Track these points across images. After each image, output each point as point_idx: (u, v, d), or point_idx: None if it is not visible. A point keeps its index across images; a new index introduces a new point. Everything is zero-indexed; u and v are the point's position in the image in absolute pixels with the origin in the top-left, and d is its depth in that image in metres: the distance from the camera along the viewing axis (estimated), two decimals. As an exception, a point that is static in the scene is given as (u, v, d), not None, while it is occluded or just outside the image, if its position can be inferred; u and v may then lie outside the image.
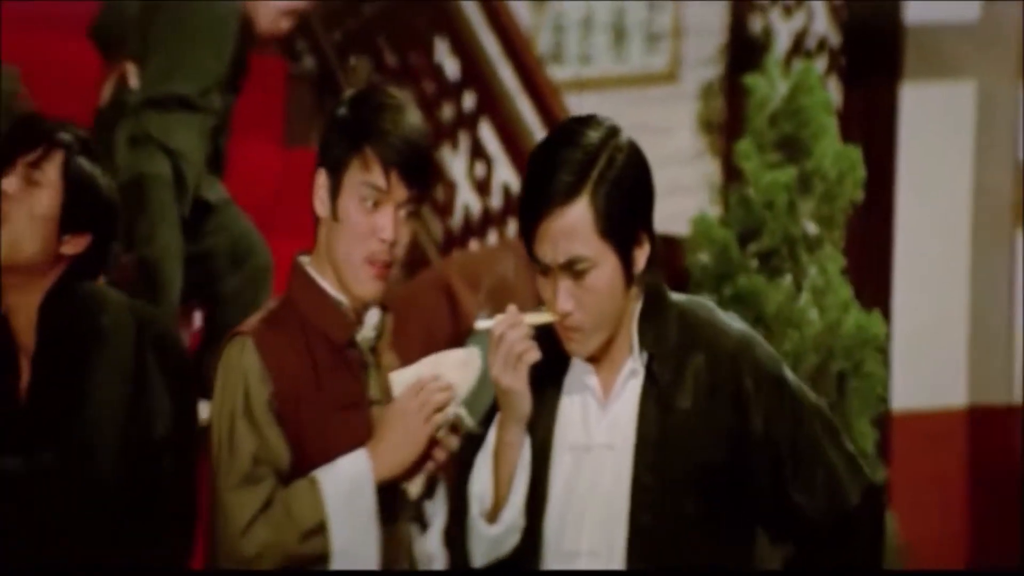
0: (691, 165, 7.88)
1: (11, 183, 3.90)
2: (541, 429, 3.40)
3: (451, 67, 7.21)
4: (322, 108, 7.39)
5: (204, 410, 5.82)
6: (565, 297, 3.31)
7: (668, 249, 6.02)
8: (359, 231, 3.68)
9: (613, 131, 3.39)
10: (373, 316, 3.81)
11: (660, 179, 7.63)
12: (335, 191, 3.69)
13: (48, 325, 3.96)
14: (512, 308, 3.40)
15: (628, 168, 3.36)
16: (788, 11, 8.17)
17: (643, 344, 3.37)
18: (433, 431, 3.51)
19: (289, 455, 3.69)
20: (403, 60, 7.37)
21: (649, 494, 3.32)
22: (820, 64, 7.64)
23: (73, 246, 3.93)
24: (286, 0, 6.27)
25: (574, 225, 3.29)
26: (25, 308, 3.96)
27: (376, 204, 3.67)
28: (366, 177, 3.65)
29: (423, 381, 3.55)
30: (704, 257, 5.92)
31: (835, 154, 5.77)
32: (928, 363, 7.75)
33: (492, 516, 3.39)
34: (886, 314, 6.23)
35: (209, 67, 6.17)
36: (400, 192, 3.66)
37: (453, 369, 3.63)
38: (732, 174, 6.30)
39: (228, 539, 3.68)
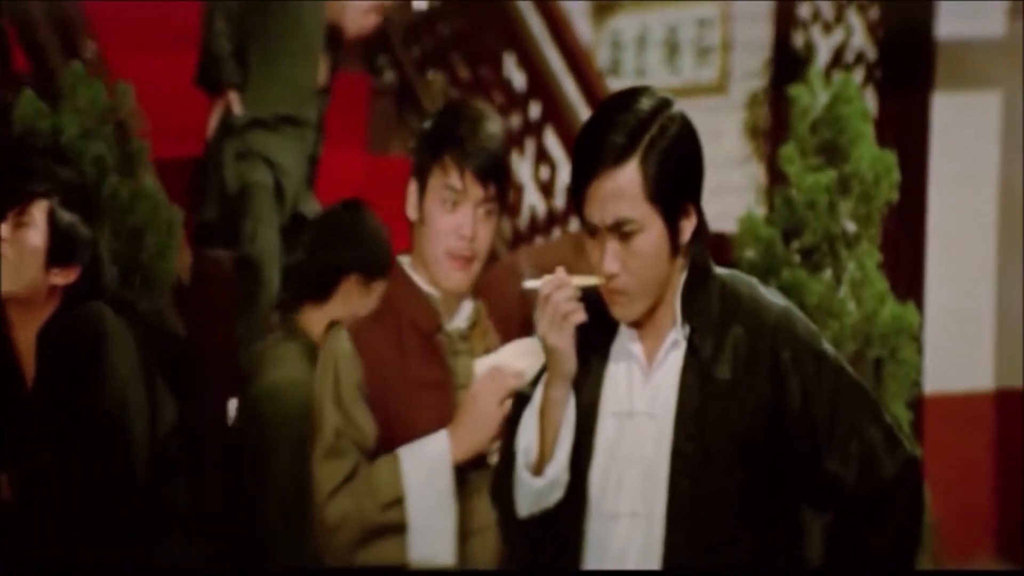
0: (738, 168, 7.87)
1: (4, 229, 3.94)
2: (588, 393, 3.31)
3: (518, 80, 7.26)
4: (402, 118, 7.44)
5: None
6: (612, 259, 3.21)
7: (718, 245, 5.99)
8: (441, 229, 3.77)
9: (666, 102, 3.27)
10: (466, 307, 3.88)
11: (709, 181, 7.65)
12: (421, 196, 3.81)
13: (45, 349, 3.98)
14: (560, 270, 3.30)
15: (679, 138, 3.25)
16: (828, 27, 8.16)
17: (686, 316, 3.27)
18: (505, 415, 3.50)
19: (374, 433, 3.74)
20: (475, 74, 7.42)
21: (688, 461, 3.22)
22: (858, 76, 7.67)
23: (64, 277, 3.98)
24: None
25: (623, 187, 3.18)
26: (26, 341, 4.00)
27: (455, 205, 3.76)
28: (445, 180, 3.75)
29: (498, 368, 3.56)
30: (751, 252, 5.84)
31: (871, 158, 5.73)
32: (958, 350, 7.75)
33: (537, 469, 3.31)
34: (919, 305, 6.13)
35: (303, 82, 6.26)
36: (476, 192, 3.75)
37: (525, 356, 3.61)
38: (776, 177, 6.27)
39: (316, 508, 3.74)
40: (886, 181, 5.76)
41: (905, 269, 6.88)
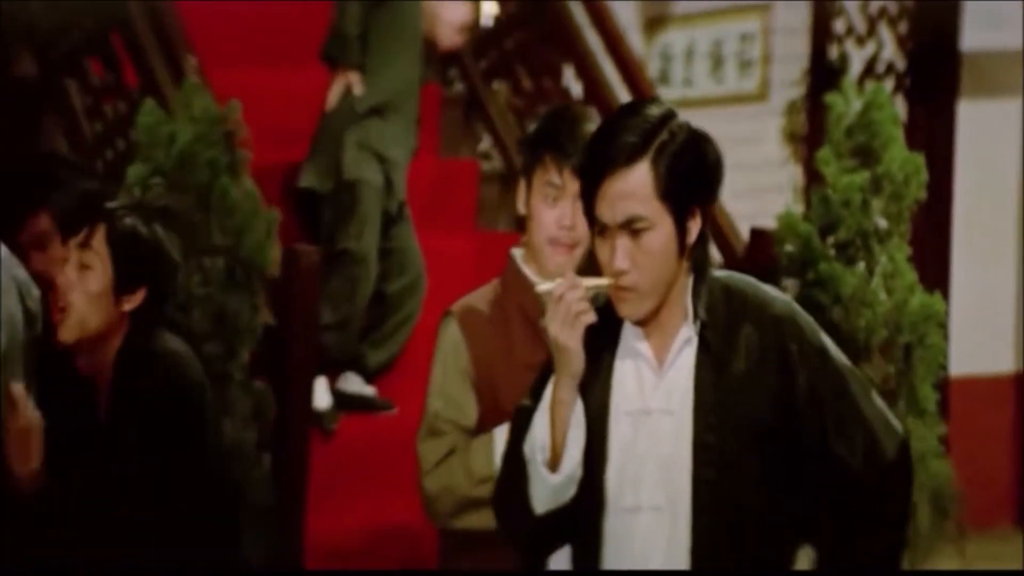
0: (778, 170, 7.84)
1: (69, 272, 3.80)
2: (597, 393, 3.17)
3: (576, 89, 7.19)
4: (469, 125, 7.44)
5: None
6: (622, 256, 3.09)
7: (760, 240, 6.00)
8: (544, 221, 3.78)
9: (673, 112, 3.16)
10: None
11: (752, 181, 7.76)
12: (528, 192, 3.82)
13: (123, 385, 3.83)
14: (571, 273, 3.19)
15: (688, 143, 3.11)
16: (860, 41, 8.15)
17: (696, 314, 3.15)
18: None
19: (475, 415, 3.75)
20: (536, 84, 7.37)
21: (712, 452, 3.11)
22: (888, 85, 7.66)
23: (132, 302, 3.83)
24: (458, 17, 6.38)
25: (635, 186, 3.07)
26: (100, 367, 3.85)
27: (556, 199, 3.76)
28: (547, 178, 3.76)
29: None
30: (790, 247, 5.85)
31: (902, 160, 5.74)
32: (982, 336, 7.78)
33: (553, 466, 3.16)
34: (945, 294, 6.13)
35: (412, 78, 6.30)
36: (574, 186, 3.67)
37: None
38: (813, 177, 6.26)
39: (420, 482, 3.76)
40: (915, 181, 5.76)
41: (932, 262, 6.85)
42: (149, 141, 5.18)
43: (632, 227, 3.08)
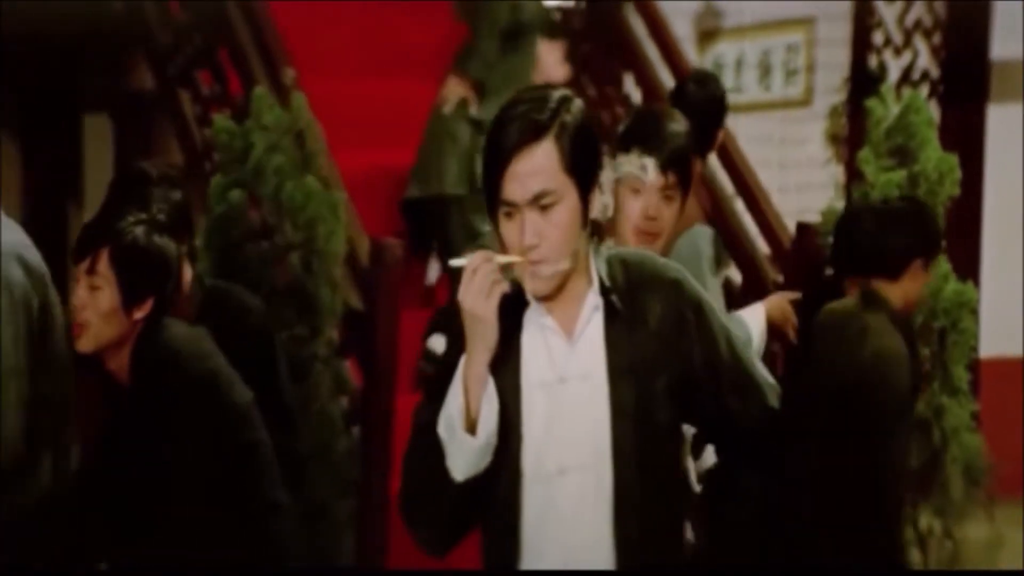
0: (821, 169, 7.80)
1: (81, 294, 3.81)
2: (507, 370, 3.01)
3: (636, 96, 7.19)
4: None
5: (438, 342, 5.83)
6: (532, 232, 2.93)
7: (805, 233, 5.97)
8: (630, 212, 3.82)
9: (568, 94, 3.04)
10: None
11: (797, 179, 7.68)
12: (616, 186, 3.83)
13: (138, 381, 3.87)
14: (482, 250, 3.00)
15: (586, 121, 2.99)
16: (898, 51, 8.10)
17: (601, 280, 3.04)
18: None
19: None
20: (600, 91, 7.36)
21: (629, 409, 3.01)
22: (923, 91, 7.62)
23: (142, 311, 3.84)
24: (558, 76, 6.35)
25: (542, 162, 2.93)
26: (119, 366, 3.88)
27: (639, 191, 3.80)
28: (632, 171, 3.79)
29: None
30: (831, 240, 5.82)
31: (936, 160, 5.70)
32: (1010, 321, 7.66)
33: (471, 430, 2.98)
34: (976, 282, 6.11)
35: None
36: (657, 179, 3.78)
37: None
38: (853, 176, 6.20)
39: None
40: (949, 179, 5.72)
41: (964, 253, 6.75)
42: (227, 154, 5.20)
43: (540, 202, 2.94)
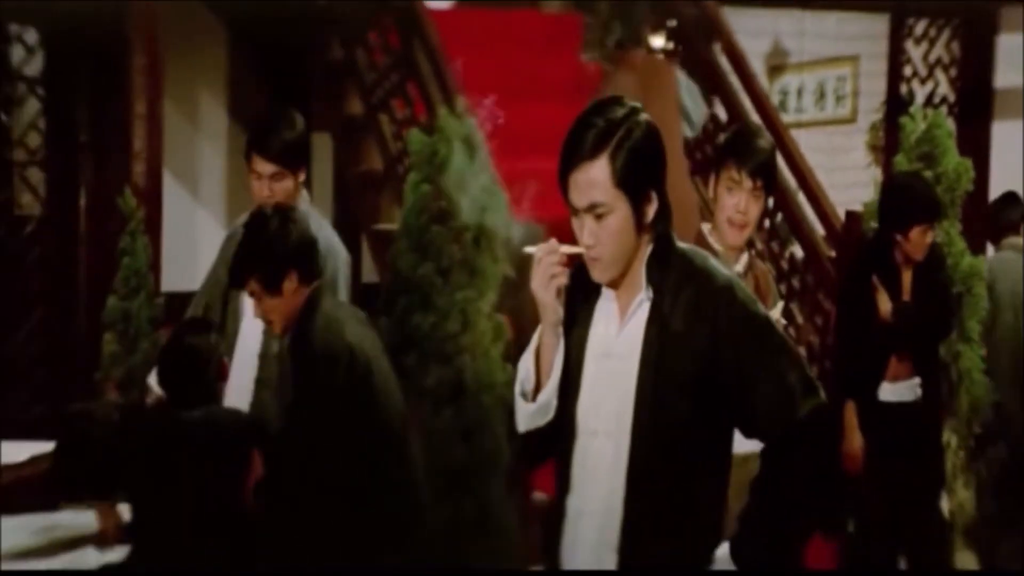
0: (864, 171, 7.77)
1: (262, 310, 3.66)
2: (577, 339, 2.76)
3: (721, 113, 7.08)
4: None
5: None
6: (588, 234, 2.68)
7: (852, 220, 5.90)
8: (725, 205, 3.80)
9: (635, 110, 2.71)
10: (743, 258, 3.86)
11: (846, 179, 7.58)
12: (716, 183, 3.82)
13: (292, 342, 3.66)
14: (552, 240, 2.72)
15: (643, 139, 2.67)
16: (923, 81, 8.06)
17: (650, 280, 2.72)
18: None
19: None
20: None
21: (648, 392, 2.69)
22: (943, 111, 7.50)
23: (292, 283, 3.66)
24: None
25: (596, 177, 2.65)
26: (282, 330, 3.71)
27: (733, 190, 3.78)
28: (729, 174, 3.79)
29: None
30: (873, 224, 5.60)
31: (955, 163, 5.65)
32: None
33: (532, 396, 2.77)
34: (984, 255, 6.05)
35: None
36: (747, 183, 3.75)
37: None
38: (890, 177, 6.19)
39: None
40: (964, 178, 5.67)
41: (976, 234, 6.51)
42: (418, 158, 5.20)
43: (595, 212, 2.66)
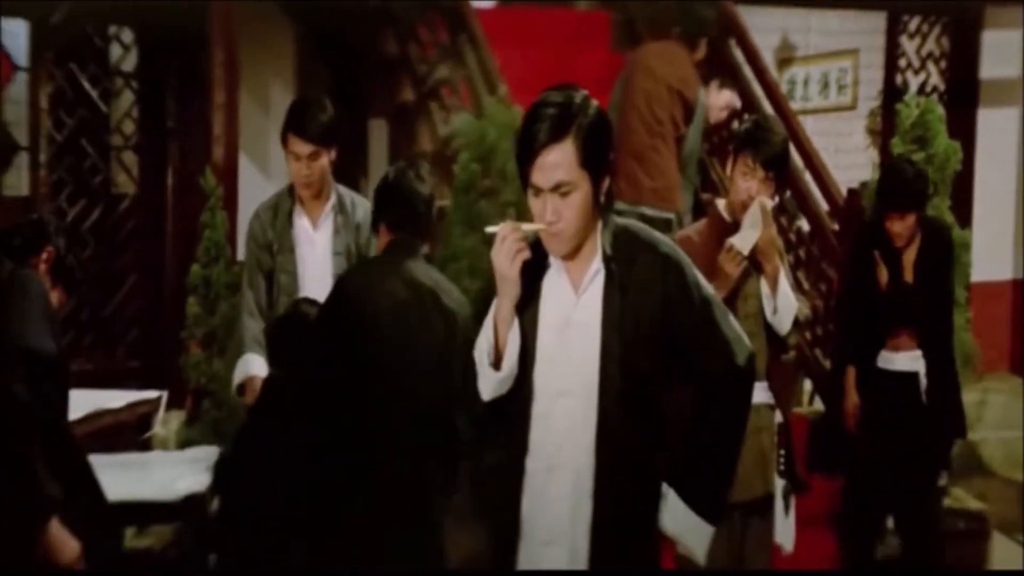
0: (863, 153, 7.67)
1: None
2: (529, 312, 2.67)
3: (737, 103, 7.05)
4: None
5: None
6: (551, 210, 2.60)
7: (852, 197, 5.85)
8: (739, 187, 3.76)
9: (588, 96, 2.65)
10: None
11: (845, 160, 7.50)
12: (733, 167, 3.78)
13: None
14: (512, 220, 2.68)
15: (600, 122, 2.62)
16: (916, 72, 7.98)
17: (603, 251, 2.66)
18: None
19: None
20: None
21: (613, 353, 2.63)
22: (934, 99, 7.43)
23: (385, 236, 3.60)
24: (722, 101, 6.13)
25: (562, 158, 2.57)
26: None
27: (747, 176, 3.74)
28: (745, 161, 3.75)
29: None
30: (869, 201, 5.63)
31: (945, 145, 5.58)
32: (992, 256, 7.58)
33: (496, 365, 2.66)
34: (971, 229, 6.09)
35: (697, 147, 5.91)
36: (760, 171, 3.71)
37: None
38: (886, 157, 6.13)
39: None
40: (954, 158, 5.61)
41: (963, 209, 6.61)
42: (468, 140, 5.18)
43: (560, 190, 2.59)
